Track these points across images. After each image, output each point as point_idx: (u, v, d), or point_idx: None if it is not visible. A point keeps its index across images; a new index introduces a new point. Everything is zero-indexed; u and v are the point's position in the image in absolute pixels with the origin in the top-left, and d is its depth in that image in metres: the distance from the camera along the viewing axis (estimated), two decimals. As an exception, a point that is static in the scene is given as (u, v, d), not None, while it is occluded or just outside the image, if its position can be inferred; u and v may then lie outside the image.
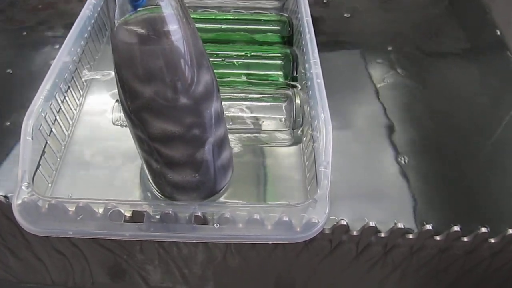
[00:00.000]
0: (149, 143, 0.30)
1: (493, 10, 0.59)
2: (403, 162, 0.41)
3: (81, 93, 0.44)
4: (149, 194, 0.37)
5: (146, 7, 0.25)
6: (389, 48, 0.53)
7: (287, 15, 0.52)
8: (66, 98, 0.40)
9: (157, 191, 0.36)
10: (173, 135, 0.29)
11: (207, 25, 0.49)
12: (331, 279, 0.43)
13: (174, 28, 0.26)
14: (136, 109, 0.29)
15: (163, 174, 0.33)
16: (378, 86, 0.48)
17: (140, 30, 0.26)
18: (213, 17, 0.50)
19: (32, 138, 0.33)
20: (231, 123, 0.41)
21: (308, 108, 0.39)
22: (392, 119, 0.45)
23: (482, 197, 0.39)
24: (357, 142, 0.43)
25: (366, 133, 0.44)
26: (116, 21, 0.26)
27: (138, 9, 0.25)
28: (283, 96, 0.42)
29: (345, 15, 0.58)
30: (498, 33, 0.56)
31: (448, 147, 0.43)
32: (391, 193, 0.39)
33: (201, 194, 0.35)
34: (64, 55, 0.40)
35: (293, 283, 0.44)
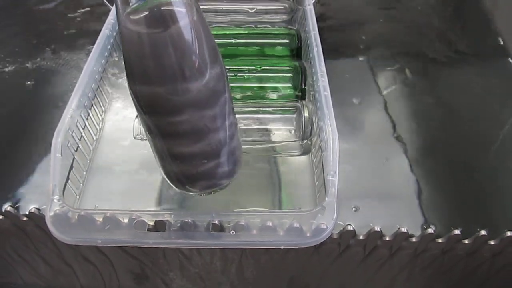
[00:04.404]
0: (156, 133, 0.31)
1: (496, 17, 0.59)
2: (406, 169, 0.42)
3: (103, 109, 0.46)
4: (172, 194, 0.37)
5: None
6: (394, 56, 0.54)
7: (295, 28, 0.53)
8: (90, 115, 0.42)
9: (169, 182, 0.37)
10: (183, 124, 0.30)
11: (217, 40, 0.50)
12: (342, 279, 0.44)
13: (181, 14, 0.26)
14: (145, 97, 0.29)
15: (172, 161, 0.34)
16: (383, 92, 0.49)
17: (147, 18, 0.26)
18: (224, 32, 0.51)
19: (61, 155, 0.35)
20: (244, 135, 0.42)
21: (317, 119, 0.40)
22: (397, 125, 0.46)
23: (482, 201, 0.40)
24: (363, 150, 0.43)
25: (372, 140, 0.45)
26: (123, 11, 0.26)
27: None
28: (292, 108, 0.43)
29: (350, 23, 0.59)
30: (501, 40, 0.56)
31: (451, 153, 0.44)
32: (395, 199, 0.40)
33: (213, 180, 0.36)
34: (87, 74, 0.41)
35: (306, 284, 0.45)
